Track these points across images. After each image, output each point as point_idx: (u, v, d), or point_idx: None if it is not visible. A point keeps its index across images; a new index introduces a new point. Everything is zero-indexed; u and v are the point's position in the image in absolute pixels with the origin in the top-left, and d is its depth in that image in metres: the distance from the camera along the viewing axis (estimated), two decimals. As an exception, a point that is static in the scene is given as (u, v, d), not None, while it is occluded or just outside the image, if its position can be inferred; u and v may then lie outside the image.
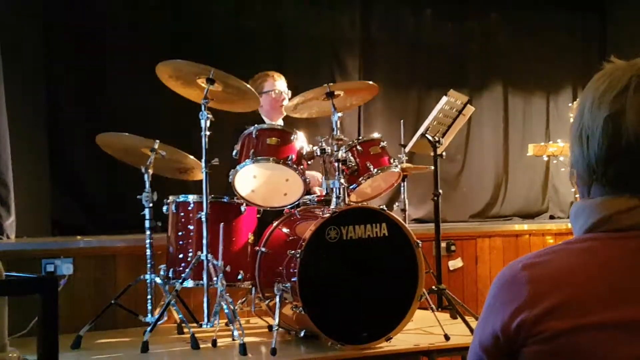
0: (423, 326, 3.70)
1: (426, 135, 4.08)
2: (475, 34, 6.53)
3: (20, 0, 4.79)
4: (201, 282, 3.44)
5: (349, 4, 6.07)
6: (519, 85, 6.65)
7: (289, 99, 3.95)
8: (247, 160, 3.51)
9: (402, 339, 3.42)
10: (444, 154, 4.14)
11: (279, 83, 4.21)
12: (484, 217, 6.41)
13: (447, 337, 3.45)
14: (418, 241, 3.43)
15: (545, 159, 4.41)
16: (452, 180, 6.28)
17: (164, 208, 3.71)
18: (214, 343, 3.40)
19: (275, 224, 3.68)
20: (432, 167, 4.13)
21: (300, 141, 3.61)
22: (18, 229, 4.44)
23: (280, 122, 4.20)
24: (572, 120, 1.18)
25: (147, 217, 3.66)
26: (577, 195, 1.18)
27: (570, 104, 4.44)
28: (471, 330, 3.55)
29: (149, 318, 3.63)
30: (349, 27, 6.05)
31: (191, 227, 3.62)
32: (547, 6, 6.65)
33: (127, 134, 3.69)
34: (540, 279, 1.07)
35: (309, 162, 3.65)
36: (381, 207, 3.45)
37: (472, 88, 6.29)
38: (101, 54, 5.12)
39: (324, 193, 3.69)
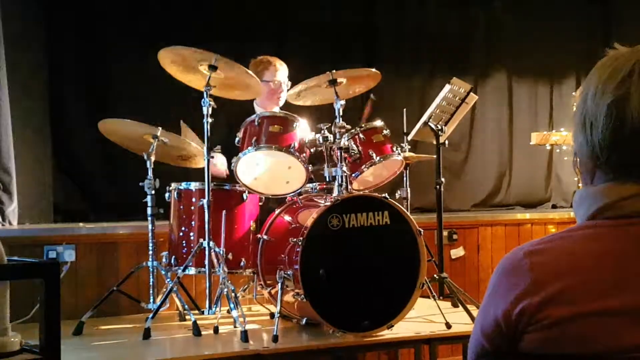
0: (424, 314, 3.71)
1: (429, 123, 4.07)
2: (478, 21, 6.49)
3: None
4: (203, 269, 3.45)
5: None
6: (523, 74, 6.62)
7: (290, 88, 3.93)
8: (249, 147, 3.50)
9: (404, 327, 3.43)
10: (446, 142, 4.13)
11: (280, 73, 4.17)
12: (487, 206, 6.40)
13: (448, 326, 3.45)
14: (420, 229, 3.43)
15: (549, 147, 4.39)
16: (455, 169, 6.27)
17: (166, 195, 3.71)
18: (216, 330, 3.41)
19: (277, 211, 3.67)
20: (435, 156, 4.12)
21: (302, 129, 3.60)
22: (20, 215, 4.44)
23: (276, 110, 4.18)
24: (575, 107, 1.17)
25: (150, 204, 3.66)
26: (580, 184, 1.18)
27: (574, 93, 4.42)
28: (472, 318, 3.56)
29: (150, 305, 3.63)
30: (352, 14, 6.02)
31: (193, 215, 3.62)
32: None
33: (129, 120, 3.68)
34: (542, 266, 1.06)
35: (312, 150, 3.64)
36: (383, 195, 3.45)
37: (475, 76, 6.27)
38: (103, 40, 5.11)
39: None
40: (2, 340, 1.42)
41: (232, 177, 3.60)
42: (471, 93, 4.19)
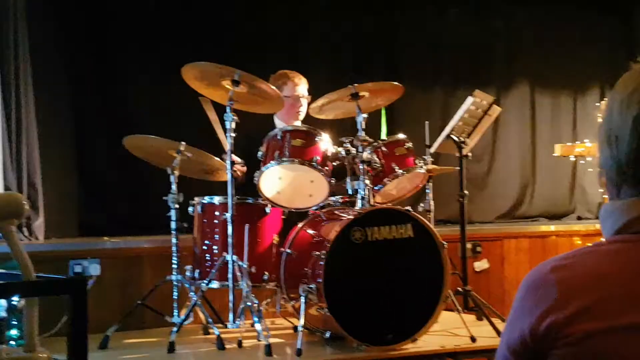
0: (449, 328, 3.68)
1: (451, 135, 4.05)
2: (500, 32, 6.47)
3: (45, 3, 4.85)
4: (226, 283, 3.46)
5: (373, 3, 6.05)
6: (546, 85, 6.57)
7: (310, 102, 3.94)
8: (272, 161, 3.52)
9: (428, 341, 3.41)
10: (469, 154, 4.11)
11: (300, 88, 4.14)
12: (511, 217, 6.35)
13: (473, 339, 3.42)
14: (443, 242, 3.42)
15: (573, 159, 4.36)
16: (478, 181, 6.23)
17: (190, 209, 3.74)
18: (240, 344, 3.41)
19: (300, 225, 3.68)
20: (458, 168, 4.11)
21: (325, 142, 3.61)
22: (46, 229, 4.50)
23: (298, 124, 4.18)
24: (600, 120, 1.16)
25: (173, 218, 3.68)
26: (605, 196, 1.17)
27: (597, 104, 4.38)
28: (497, 332, 3.53)
29: (175, 318, 3.65)
30: (372, 27, 6.03)
31: (217, 229, 3.64)
32: (573, 4, 6.58)
33: (153, 136, 3.72)
34: (569, 281, 1.06)
35: (334, 164, 3.65)
36: (406, 208, 3.44)
37: (498, 87, 6.24)
38: (125, 56, 5.17)
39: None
40: (31, 356, 1.44)
41: (254, 190, 3.61)
42: (494, 105, 4.18)
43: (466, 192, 4.08)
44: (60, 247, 4.20)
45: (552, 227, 5.58)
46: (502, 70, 6.43)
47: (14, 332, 3.09)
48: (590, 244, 1.11)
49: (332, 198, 3.72)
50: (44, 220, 4.47)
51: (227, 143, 3.50)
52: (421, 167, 3.71)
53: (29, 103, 4.51)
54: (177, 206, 3.68)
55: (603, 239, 1.12)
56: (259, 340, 3.42)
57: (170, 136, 3.72)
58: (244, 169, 3.92)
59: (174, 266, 3.67)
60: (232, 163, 3.48)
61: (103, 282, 4.01)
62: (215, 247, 3.63)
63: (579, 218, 6.50)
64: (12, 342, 3.02)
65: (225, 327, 3.58)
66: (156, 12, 5.27)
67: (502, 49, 6.47)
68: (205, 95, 3.72)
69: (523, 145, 6.49)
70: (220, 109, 3.62)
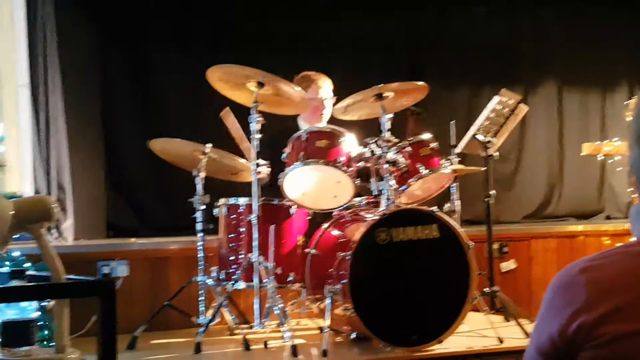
0: (476, 329, 3.66)
1: (477, 135, 4.03)
2: (527, 31, 6.41)
3: (78, 3, 4.91)
4: (252, 283, 3.47)
5: (398, 3, 6.04)
6: (573, 83, 6.50)
7: (335, 103, 3.94)
8: (296, 162, 3.52)
9: (454, 342, 3.39)
10: (495, 154, 4.08)
11: (324, 90, 4.14)
12: (538, 217, 6.29)
13: (500, 340, 3.40)
14: (470, 242, 3.39)
15: (601, 158, 4.30)
16: (505, 180, 6.18)
17: (215, 210, 3.76)
18: (266, 344, 3.42)
19: (325, 226, 3.68)
20: (484, 168, 4.08)
21: (349, 143, 3.61)
22: (75, 231, 4.55)
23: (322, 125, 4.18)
24: (629, 118, 1.15)
25: (199, 219, 3.71)
26: (634, 196, 1.16)
27: (626, 102, 4.32)
28: (525, 333, 3.50)
29: (201, 319, 3.67)
30: (396, 27, 6.01)
31: (242, 230, 3.66)
32: (601, 3, 6.49)
33: (179, 139, 3.74)
34: (598, 282, 1.04)
35: (359, 164, 3.64)
36: (432, 208, 3.42)
37: (525, 86, 6.19)
38: (156, 58, 5.22)
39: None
40: (62, 356, 1.46)
41: (280, 191, 3.62)
42: (521, 104, 4.14)
43: (492, 192, 4.04)
44: (88, 249, 4.25)
45: (580, 227, 5.52)
46: (529, 69, 6.37)
47: (44, 332, 3.13)
48: (619, 245, 1.10)
49: (357, 199, 3.72)
50: (73, 222, 4.53)
51: (251, 153, 3.51)
52: (446, 167, 3.69)
53: (57, 105, 4.57)
54: (203, 208, 3.70)
55: (633, 239, 1.11)
56: (285, 341, 3.42)
57: (199, 138, 3.75)
58: (269, 170, 3.93)
59: (200, 267, 3.69)
60: (257, 165, 3.50)
61: (131, 283, 4.05)
62: (240, 248, 3.65)
63: (608, 218, 6.42)
64: (43, 343, 3.06)
65: (251, 327, 3.59)
66: (189, 12, 5.31)
67: (529, 47, 6.41)
68: (226, 107, 3.75)
69: (550, 144, 6.43)
70: (243, 112, 3.62)
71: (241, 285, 3.55)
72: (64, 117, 4.58)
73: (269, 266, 3.49)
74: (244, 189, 3.85)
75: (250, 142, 3.57)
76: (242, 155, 3.83)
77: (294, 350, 3.24)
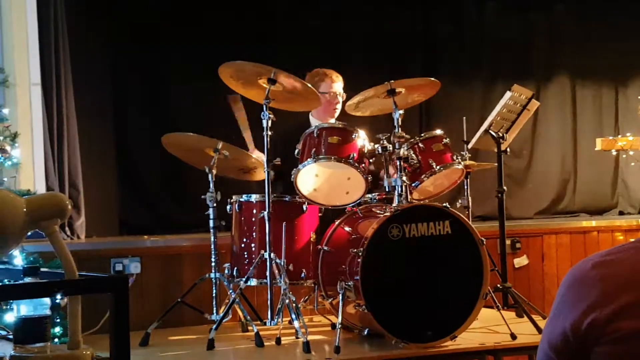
0: (488, 325, 3.64)
1: (489, 131, 4.01)
2: (539, 26, 6.38)
3: (89, 3, 4.93)
4: (265, 280, 3.48)
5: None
6: (587, 78, 6.46)
7: (346, 99, 3.93)
8: (308, 159, 3.52)
9: (467, 338, 3.38)
10: (508, 150, 4.06)
11: (336, 85, 4.13)
12: (551, 213, 6.26)
13: (513, 336, 3.38)
14: (482, 238, 3.38)
15: (615, 153, 4.28)
16: (517, 176, 6.16)
17: (228, 207, 3.76)
18: (278, 341, 3.43)
19: (337, 222, 3.68)
20: (496, 164, 4.06)
21: (361, 139, 3.60)
22: (88, 229, 4.58)
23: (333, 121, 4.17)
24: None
25: (212, 216, 3.71)
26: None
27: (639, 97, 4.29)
28: (538, 329, 3.48)
29: (214, 316, 3.68)
30: (409, 23, 6.00)
31: (254, 226, 3.66)
32: (614, -4, 6.46)
33: (191, 133, 3.75)
34: (611, 278, 1.04)
35: (371, 160, 3.64)
36: (444, 204, 3.42)
37: (537, 81, 6.16)
38: (167, 55, 5.24)
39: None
40: (75, 353, 1.47)
41: (292, 188, 3.62)
42: (533, 99, 4.12)
43: (505, 187, 4.03)
44: (101, 246, 4.28)
45: (593, 223, 5.49)
46: (541, 64, 6.34)
47: (57, 329, 3.15)
48: (633, 240, 1.09)
49: (369, 195, 3.71)
50: (86, 220, 4.56)
51: (252, 142, 3.52)
52: (459, 163, 3.68)
53: (69, 104, 4.59)
54: (215, 205, 3.71)
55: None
56: (298, 338, 3.43)
57: (211, 135, 3.75)
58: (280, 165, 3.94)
59: (213, 264, 3.70)
60: (269, 161, 3.50)
61: (143, 280, 4.07)
62: (253, 245, 3.65)
63: (621, 213, 6.38)
64: (56, 340, 3.08)
65: (264, 324, 3.60)
66: (200, 9, 5.32)
67: (542, 42, 6.38)
68: (236, 92, 3.74)
69: (564, 139, 6.40)
70: (255, 107, 3.62)
71: (254, 282, 3.56)
72: (75, 115, 4.60)
73: (281, 263, 3.50)
74: (256, 186, 3.86)
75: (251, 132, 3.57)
76: (244, 145, 3.83)
77: (307, 346, 3.24)
